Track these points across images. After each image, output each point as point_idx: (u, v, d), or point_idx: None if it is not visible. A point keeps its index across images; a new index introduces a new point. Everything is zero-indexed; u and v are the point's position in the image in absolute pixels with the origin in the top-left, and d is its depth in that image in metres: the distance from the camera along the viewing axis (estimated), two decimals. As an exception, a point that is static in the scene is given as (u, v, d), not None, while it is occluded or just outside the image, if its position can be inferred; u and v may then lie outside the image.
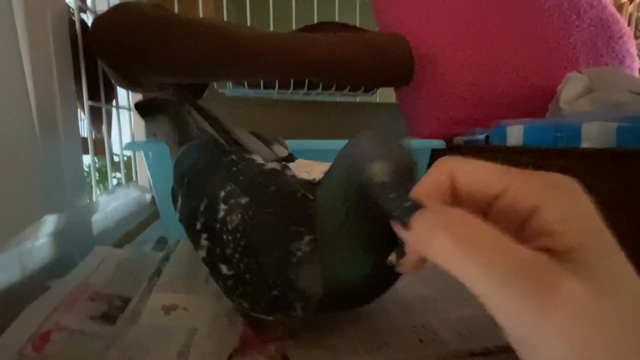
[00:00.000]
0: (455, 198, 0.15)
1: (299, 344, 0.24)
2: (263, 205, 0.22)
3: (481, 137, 0.51)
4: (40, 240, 0.33)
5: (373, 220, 0.18)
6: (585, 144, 0.35)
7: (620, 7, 0.84)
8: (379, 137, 0.18)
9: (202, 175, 0.26)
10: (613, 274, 0.11)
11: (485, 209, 0.14)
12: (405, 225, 0.14)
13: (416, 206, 0.14)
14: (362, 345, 0.24)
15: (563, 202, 0.12)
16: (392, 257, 0.17)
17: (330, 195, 0.20)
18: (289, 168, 0.25)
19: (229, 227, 0.22)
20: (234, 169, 0.25)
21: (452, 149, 0.54)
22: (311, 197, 0.22)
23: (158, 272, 0.31)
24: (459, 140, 0.57)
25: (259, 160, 0.26)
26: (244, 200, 0.22)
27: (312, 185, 0.23)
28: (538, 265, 0.11)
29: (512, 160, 0.42)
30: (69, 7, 0.42)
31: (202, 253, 0.24)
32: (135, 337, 0.23)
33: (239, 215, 0.22)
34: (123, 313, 0.26)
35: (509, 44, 0.58)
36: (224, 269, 0.22)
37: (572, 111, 0.48)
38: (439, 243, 0.12)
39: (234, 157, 0.26)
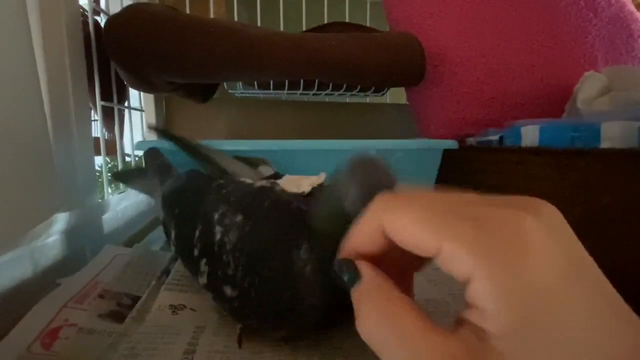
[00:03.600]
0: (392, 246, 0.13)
1: (308, 344, 0.24)
2: (258, 220, 0.22)
3: (494, 137, 0.50)
4: (52, 237, 0.33)
5: None
6: (604, 144, 0.34)
7: (639, 6, 0.82)
8: (359, 162, 0.19)
9: (192, 202, 0.26)
10: None
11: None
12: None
13: (354, 277, 0.14)
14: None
15: (496, 275, 0.10)
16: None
17: (323, 215, 0.20)
18: (277, 184, 0.26)
19: (228, 247, 0.22)
20: (224, 191, 0.25)
21: (465, 150, 0.53)
22: (304, 208, 0.22)
23: (167, 272, 0.31)
24: (471, 141, 0.55)
25: (248, 180, 0.27)
26: (238, 218, 0.22)
27: (303, 197, 0.23)
28: None
29: (528, 161, 0.41)
30: (82, 8, 0.43)
31: (203, 279, 0.24)
32: (143, 334, 0.23)
33: (236, 234, 0.22)
34: (131, 311, 0.26)
35: (524, 42, 0.57)
36: (227, 290, 0.22)
37: (590, 111, 0.46)
38: (363, 324, 0.13)
39: (222, 181, 0.26)
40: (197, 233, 0.24)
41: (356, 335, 0.25)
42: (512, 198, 0.12)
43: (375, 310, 0.12)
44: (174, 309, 0.26)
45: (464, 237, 0.11)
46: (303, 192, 0.24)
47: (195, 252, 0.24)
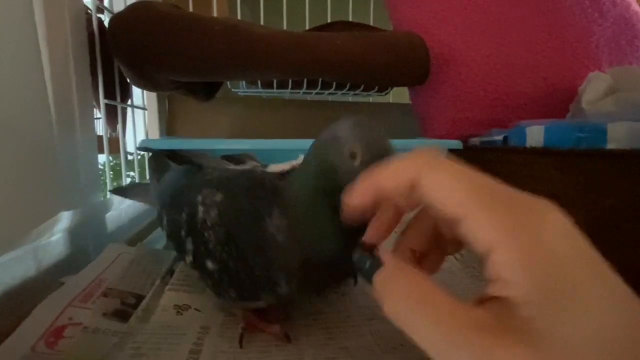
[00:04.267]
0: (413, 202, 0.14)
1: (312, 344, 0.23)
2: (235, 196, 0.24)
3: (499, 137, 0.49)
4: (56, 236, 0.33)
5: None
6: (610, 145, 0.34)
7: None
8: (359, 123, 0.20)
9: (181, 190, 0.28)
10: (557, 335, 0.10)
11: (445, 224, 0.13)
12: (371, 284, 0.15)
13: (376, 265, 0.15)
14: (377, 345, 0.24)
15: (516, 246, 0.11)
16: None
17: (305, 171, 0.21)
18: (260, 168, 0.27)
19: (209, 223, 0.23)
20: (209, 176, 0.27)
21: (468, 150, 0.53)
22: (279, 182, 0.23)
23: (171, 271, 0.31)
24: (475, 141, 0.55)
25: (233, 166, 0.28)
26: (218, 197, 0.24)
27: (281, 174, 0.25)
28: (476, 330, 0.11)
29: (532, 161, 0.41)
30: (86, 7, 0.43)
31: (190, 258, 0.25)
32: (148, 334, 0.23)
33: (216, 211, 0.23)
34: (136, 310, 0.26)
35: (528, 43, 0.56)
36: (209, 264, 0.23)
37: (596, 112, 0.46)
38: (390, 305, 0.13)
39: (209, 170, 0.28)
40: (184, 216, 0.25)
41: (362, 335, 0.25)
42: (534, 197, 0.13)
43: (399, 291, 0.13)
44: (179, 309, 0.26)
45: (492, 211, 0.12)
46: (283, 170, 0.25)
47: (182, 233, 0.25)
